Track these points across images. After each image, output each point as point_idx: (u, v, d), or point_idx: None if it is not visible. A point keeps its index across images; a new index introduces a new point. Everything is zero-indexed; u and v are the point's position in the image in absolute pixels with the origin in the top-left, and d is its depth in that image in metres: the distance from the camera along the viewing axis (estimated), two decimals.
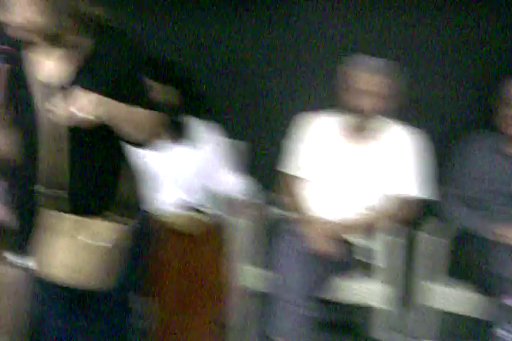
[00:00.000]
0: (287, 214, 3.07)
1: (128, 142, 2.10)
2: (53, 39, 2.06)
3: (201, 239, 3.00)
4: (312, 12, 3.57)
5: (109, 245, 2.06)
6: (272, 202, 3.22)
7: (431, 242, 2.97)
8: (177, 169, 3.10)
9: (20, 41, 2.07)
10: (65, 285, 2.07)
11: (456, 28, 3.44)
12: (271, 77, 3.63)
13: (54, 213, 2.04)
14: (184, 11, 3.67)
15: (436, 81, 3.49)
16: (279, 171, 3.14)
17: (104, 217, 2.07)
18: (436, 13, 3.45)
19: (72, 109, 1.85)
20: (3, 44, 2.08)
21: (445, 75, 3.47)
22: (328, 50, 3.57)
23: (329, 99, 3.05)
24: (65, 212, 2.05)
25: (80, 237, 2.03)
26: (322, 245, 2.81)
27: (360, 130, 3.00)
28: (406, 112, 3.07)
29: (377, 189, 3.00)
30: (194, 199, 3.12)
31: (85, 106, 1.86)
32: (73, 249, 2.03)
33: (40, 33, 2.04)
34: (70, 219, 2.05)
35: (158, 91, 2.92)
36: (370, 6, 3.51)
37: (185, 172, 3.11)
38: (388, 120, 3.02)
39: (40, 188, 2.03)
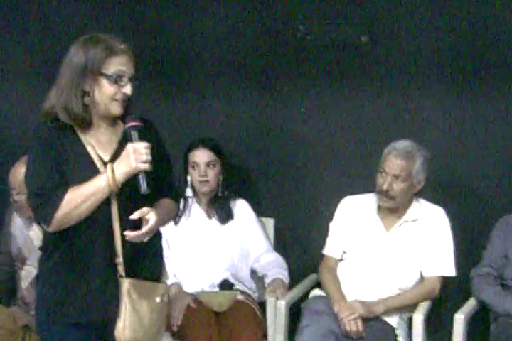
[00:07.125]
0: (323, 294, 3.11)
1: None
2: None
3: (233, 315, 3.07)
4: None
5: (166, 302, 2.26)
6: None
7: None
8: (220, 247, 3.21)
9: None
10: None
11: None
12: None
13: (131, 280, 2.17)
14: None
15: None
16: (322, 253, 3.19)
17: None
18: None
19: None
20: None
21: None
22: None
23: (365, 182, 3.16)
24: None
25: (156, 299, 2.21)
26: (354, 326, 2.89)
27: (393, 211, 3.07)
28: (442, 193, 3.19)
29: (414, 270, 3.05)
30: (234, 277, 3.21)
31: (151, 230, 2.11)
32: (151, 310, 2.19)
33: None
34: (145, 284, 2.20)
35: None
36: None
37: (227, 250, 3.22)
38: (420, 200, 3.09)
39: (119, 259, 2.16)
